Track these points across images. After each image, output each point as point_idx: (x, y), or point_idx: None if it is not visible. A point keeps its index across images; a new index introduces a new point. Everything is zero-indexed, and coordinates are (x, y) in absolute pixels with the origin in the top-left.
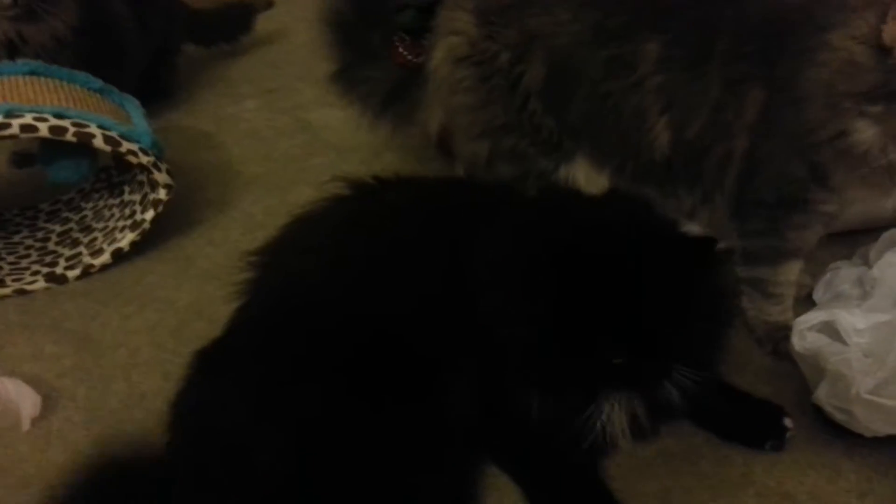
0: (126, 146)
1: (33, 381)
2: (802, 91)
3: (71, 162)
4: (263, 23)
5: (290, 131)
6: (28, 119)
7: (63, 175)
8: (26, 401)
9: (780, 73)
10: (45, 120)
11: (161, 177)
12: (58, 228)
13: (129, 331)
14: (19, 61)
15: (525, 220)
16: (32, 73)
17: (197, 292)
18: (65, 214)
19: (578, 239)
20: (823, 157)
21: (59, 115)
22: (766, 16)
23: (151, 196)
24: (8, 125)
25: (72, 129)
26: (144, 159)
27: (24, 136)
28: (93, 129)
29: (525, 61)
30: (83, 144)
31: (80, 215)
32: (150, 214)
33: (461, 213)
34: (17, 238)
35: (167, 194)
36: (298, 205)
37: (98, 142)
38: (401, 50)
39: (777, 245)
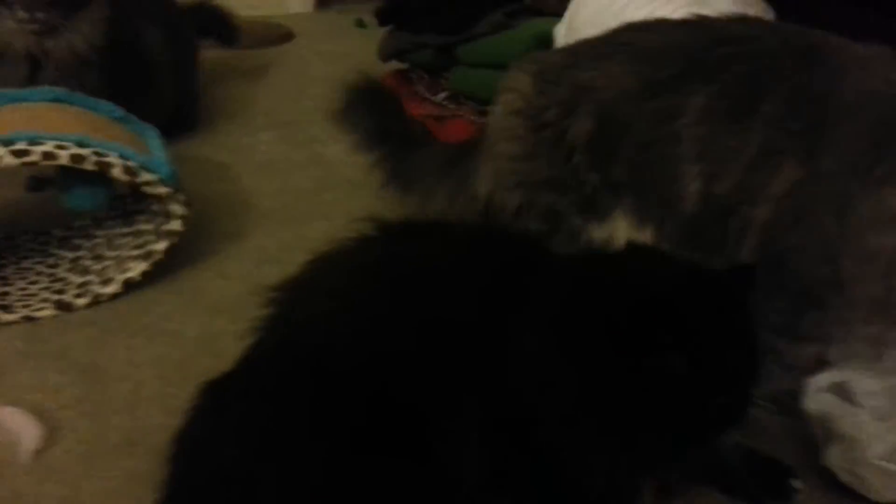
0: (144, 177)
1: (36, 412)
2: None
3: (88, 190)
4: (281, 56)
5: (305, 164)
6: (49, 146)
7: (80, 202)
8: (27, 433)
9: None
10: (66, 148)
11: (177, 208)
12: (69, 255)
13: (136, 363)
14: (45, 88)
15: (582, 285)
16: (56, 99)
17: (205, 326)
18: (77, 241)
19: (656, 301)
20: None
21: (81, 144)
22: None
23: (166, 227)
24: (29, 152)
25: (92, 158)
26: (162, 191)
27: (44, 163)
28: (112, 158)
29: (573, 115)
30: (101, 173)
31: (93, 243)
32: (163, 245)
33: (494, 267)
34: (27, 263)
35: (182, 226)
36: (312, 239)
37: (117, 172)
38: (417, 88)
39: (796, 329)
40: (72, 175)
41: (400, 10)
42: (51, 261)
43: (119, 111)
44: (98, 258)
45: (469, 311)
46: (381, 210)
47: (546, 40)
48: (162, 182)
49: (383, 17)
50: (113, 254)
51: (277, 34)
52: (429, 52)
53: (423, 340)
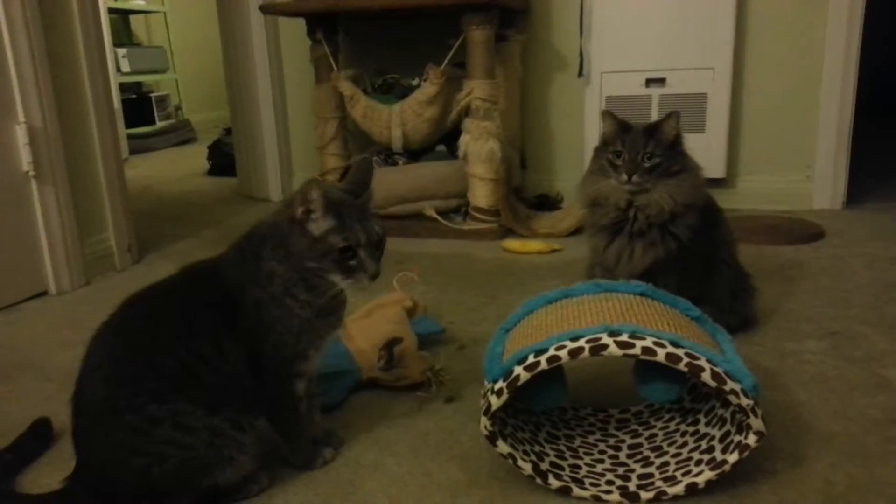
0: (730, 385)
1: None
2: None
3: (665, 385)
4: (815, 255)
5: (866, 387)
6: (649, 342)
7: (656, 396)
8: None
9: None
10: (663, 346)
11: (756, 423)
12: (628, 440)
13: None
14: (634, 282)
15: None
16: (643, 294)
17: None
18: (634, 426)
19: None
20: None
21: (675, 343)
22: None
23: (737, 438)
24: (632, 345)
25: (685, 360)
26: (745, 402)
27: (642, 357)
28: (703, 362)
29: None
30: (683, 373)
31: (650, 432)
32: (733, 458)
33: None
34: (591, 439)
35: (757, 441)
36: (892, 484)
37: (706, 376)
38: None
39: None
40: (651, 367)
41: None
42: (612, 441)
43: (695, 310)
44: (658, 451)
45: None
46: None
47: None
48: (745, 393)
49: None
50: (673, 451)
51: (807, 231)
52: None
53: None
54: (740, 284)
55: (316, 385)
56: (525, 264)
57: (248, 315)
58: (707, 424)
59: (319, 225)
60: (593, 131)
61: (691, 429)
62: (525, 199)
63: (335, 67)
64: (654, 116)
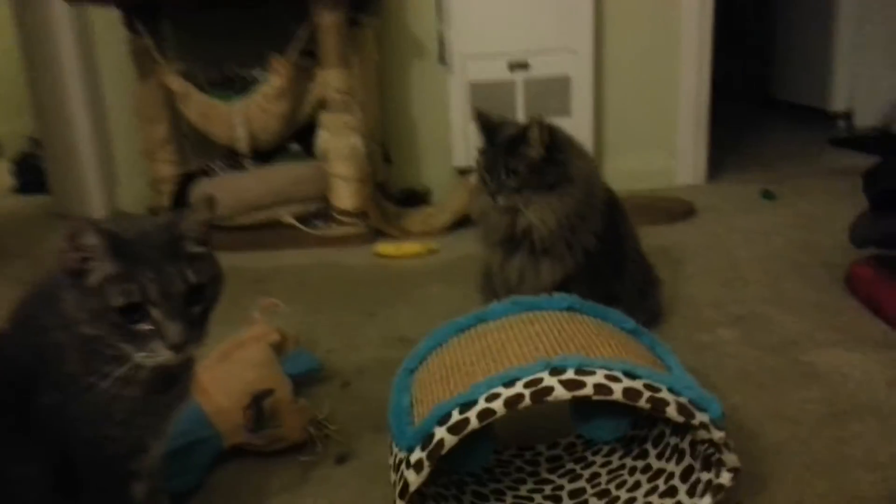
0: (699, 417)
1: None
2: None
3: (612, 421)
4: (692, 233)
5: (794, 379)
6: (600, 377)
7: (599, 434)
8: None
9: None
10: (617, 380)
11: (729, 458)
12: (567, 485)
13: None
14: (556, 295)
15: None
16: (570, 308)
17: None
18: (569, 465)
19: None
20: None
21: (630, 375)
22: None
23: (705, 476)
24: (582, 384)
25: (645, 394)
26: (716, 435)
27: (596, 397)
28: (665, 394)
29: None
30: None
31: (590, 471)
32: (707, 501)
33: None
34: (524, 490)
35: (732, 480)
36: (853, 494)
37: (671, 411)
38: None
39: None
40: (591, 403)
41: None
42: (548, 490)
43: (629, 322)
44: (604, 496)
45: None
46: None
47: None
48: (714, 424)
49: (877, 202)
50: (624, 494)
51: (681, 209)
52: None
53: None
54: (647, 277)
55: (160, 472)
56: (402, 270)
57: (46, 411)
58: (659, 457)
59: (96, 274)
60: (459, 120)
61: (640, 463)
62: (391, 195)
63: (160, 61)
64: (520, 102)
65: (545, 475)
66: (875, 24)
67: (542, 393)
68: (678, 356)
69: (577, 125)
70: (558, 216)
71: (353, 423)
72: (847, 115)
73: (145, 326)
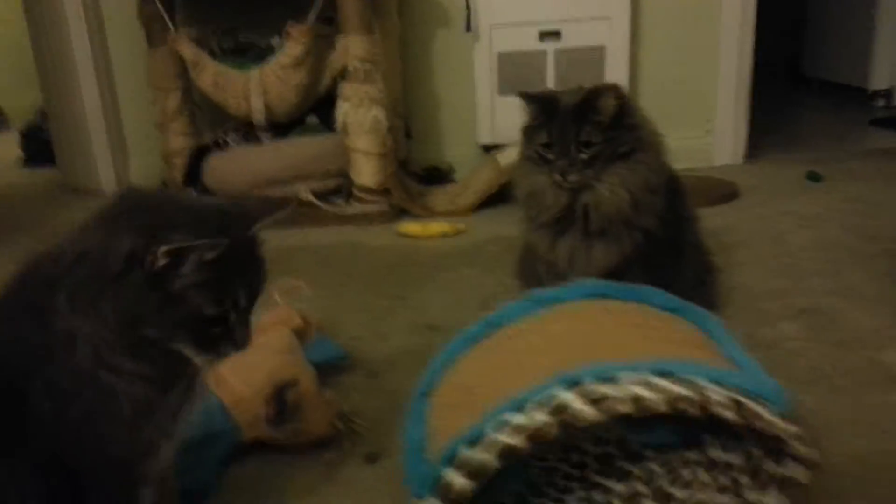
0: (759, 412)
1: None
2: None
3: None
4: (738, 216)
5: (871, 381)
6: (627, 386)
7: (652, 441)
8: None
9: None
10: (647, 385)
11: (800, 448)
12: (619, 488)
13: None
14: (579, 283)
15: None
16: (602, 295)
17: None
18: (620, 464)
19: None
20: None
21: (663, 373)
22: None
23: (773, 468)
24: (603, 397)
25: (692, 397)
26: (780, 428)
27: (624, 411)
28: (712, 392)
29: None
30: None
31: (644, 468)
32: (773, 499)
33: None
34: (571, 500)
35: (807, 476)
36: None
37: (730, 413)
38: None
39: None
40: None
41: None
42: (598, 497)
43: (674, 300)
44: (663, 498)
45: None
46: None
47: None
48: (779, 413)
49: None
50: (683, 493)
51: (724, 192)
52: None
53: None
54: (704, 265)
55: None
56: (429, 251)
57: (43, 412)
58: (718, 446)
59: (184, 280)
60: (485, 91)
61: (698, 456)
62: (413, 172)
63: (172, 27)
64: (551, 74)
65: (595, 479)
66: None
67: (558, 412)
68: None
69: None
70: (632, 189)
71: (382, 418)
72: (888, 94)
73: (217, 330)
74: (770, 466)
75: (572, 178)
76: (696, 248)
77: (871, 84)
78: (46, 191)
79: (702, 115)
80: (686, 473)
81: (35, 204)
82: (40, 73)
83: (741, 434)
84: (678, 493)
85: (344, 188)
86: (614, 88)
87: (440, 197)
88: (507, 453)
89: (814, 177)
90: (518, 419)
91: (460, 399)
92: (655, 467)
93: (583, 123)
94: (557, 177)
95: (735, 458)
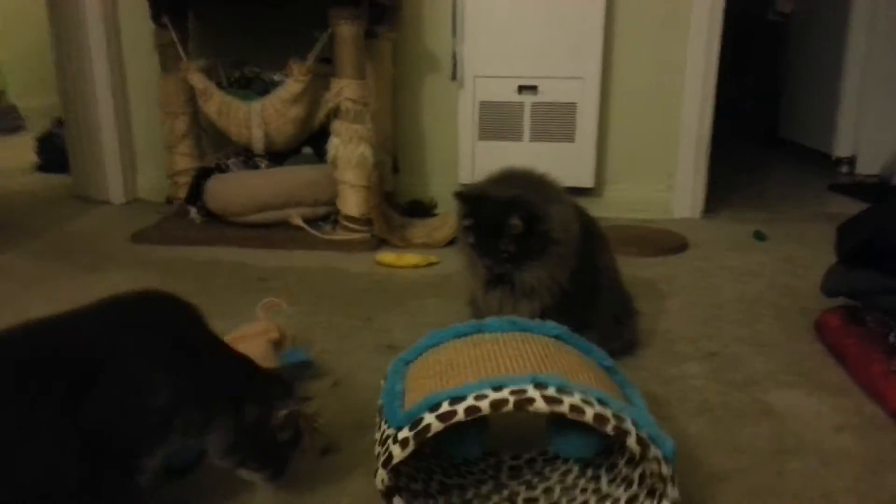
0: (653, 452)
1: None
2: None
3: (582, 440)
4: (681, 268)
5: (749, 415)
6: (577, 399)
7: (570, 452)
8: None
9: None
10: (590, 404)
11: (672, 492)
12: (523, 493)
13: None
14: (548, 323)
15: None
16: (558, 337)
17: None
18: (527, 477)
19: None
20: None
21: (602, 402)
22: None
23: None
24: (560, 401)
25: (612, 422)
26: (665, 471)
27: (570, 415)
28: (629, 425)
29: None
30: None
31: (545, 485)
32: None
33: None
34: (484, 490)
35: None
36: None
37: (631, 441)
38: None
39: None
40: (567, 422)
41: (875, 250)
42: (505, 493)
43: (608, 360)
44: None
45: None
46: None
47: None
48: (665, 459)
49: (848, 256)
50: None
51: (673, 243)
52: None
53: None
54: (624, 308)
55: None
56: (401, 280)
57: (110, 392)
58: (610, 483)
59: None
60: (467, 135)
61: (591, 486)
62: (398, 205)
63: (184, 56)
64: (527, 124)
65: (504, 480)
66: (881, 71)
67: (524, 402)
68: (647, 385)
69: (580, 152)
70: (547, 272)
71: (339, 419)
72: (850, 161)
73: None
74: (646, 503)
75: (496, 270)
76: (614, 292)
77: (835, 151)
78: (58, 197)
79: (664, 171)
80: (579, 496)
81: (47, 209)
82: (59, 83)
83: (628, 476)
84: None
85: (331, 216)
86: (523, 208)
87: (419, 229)
88: (471, 411)
89: (760, 236)
90: (492, 394)
91: (440, 371)
92: (555, 486)
93: (500, 236)
94: (483, 269)
95: (619, 492)
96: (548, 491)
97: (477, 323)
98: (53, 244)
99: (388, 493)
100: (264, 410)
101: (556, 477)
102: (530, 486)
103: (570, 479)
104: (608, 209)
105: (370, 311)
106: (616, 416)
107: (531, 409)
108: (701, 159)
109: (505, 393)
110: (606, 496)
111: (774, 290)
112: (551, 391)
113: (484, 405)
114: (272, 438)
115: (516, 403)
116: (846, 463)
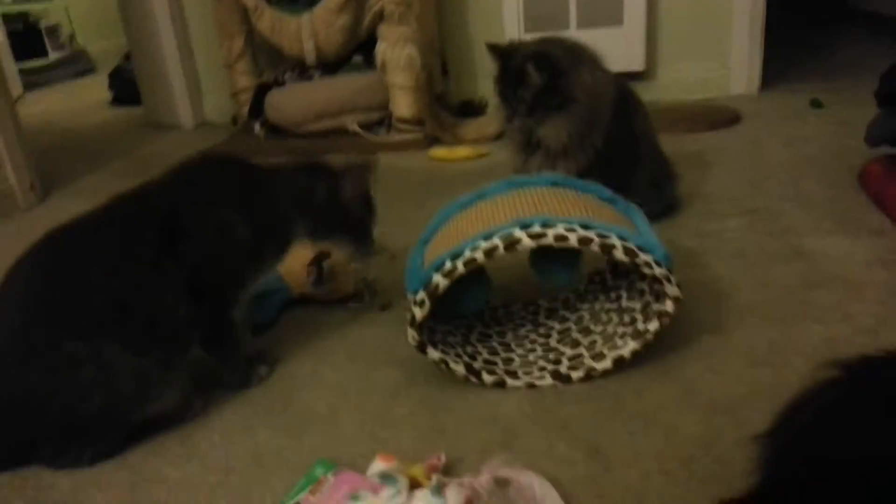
0: (642, 257)
1: (550, 480)
2: None
3: (564, 268)
4: (733, 139)
5: (782, 257)
6: (560, 229)
7: (560, 280)
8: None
9: None
10: (573, 230)
11: (671, 289)
12: (557, 326)
13: (638, 451)
14: (544, 174)
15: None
16: (554, 184)
17: (703, 425)
18: (562, 313)
19: None
20: None
21: (585, 226)
22: None
23: (656, 307)
24: (544, 234)
25: (596, 241)
26: (658, 271)
27: (556, 244)
28: (613, 240)
29: None
30: (573, 252)
31: (577, 315)
32: (654, 326)
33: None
34: (522, 331)
35: (674, 307)
36: (806, 343)
37: (618, 253)
38: None
39: None
40: (548, 256)
41: None
42: (542, 330)
43: (607, 192)
44: (585, 331)
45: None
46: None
47: None
48: (657, 263)
49: (886, 99)
50: (599, 328)
51: (725, 117)
52: None
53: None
54: (662, 172)
55: (249, 310)
56: (453, 171)
57: (202, 238)
58: (629, 299)
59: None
60: (513, 29)
61: (615, 305)
62: (449, 106)
63: None
64: (573, 11)
65: (542, 321)
66: None
67: (512, 244)
68: (681, 239)
69: (629, 34)
70: (567, 131)
71: (396, 285)
72: None
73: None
74: (656, 306)
75: (516, 122)
76: (652, 156)
77: None
78: (133, 126)
79: (718, 48)
80: (604, 317)
81: (123, 137)
82: (124, 21)
83: (643, 288)
84: (595, 328)
85: (385, 120)
86: (544, 60)
87: (470, 127)
88: (469, 263)
89: (816, 103)
90: (484, 244)
91: (446, 239)
92: (585, 314)
93: (517, 85)
94: (506, 120)
95: (635, 304)
96: (579, 320)
97: (478, 191)
98: (133, 165)
99: (421, 347)
100: (331, 190)
101: (585, 306)
102: (564, 320)
103: (597, 305)
104: (662, 91)
105: (423, 199)
106: (600, 235)
107: (519, 248)
108: (756, 32)
109: (495, 240)
110: (626, 310)
111: (825, 153)
112: (535, 228)
113: (478, 255)
114: (347, 213)
115: (505, 246)
116: (870, 290)
